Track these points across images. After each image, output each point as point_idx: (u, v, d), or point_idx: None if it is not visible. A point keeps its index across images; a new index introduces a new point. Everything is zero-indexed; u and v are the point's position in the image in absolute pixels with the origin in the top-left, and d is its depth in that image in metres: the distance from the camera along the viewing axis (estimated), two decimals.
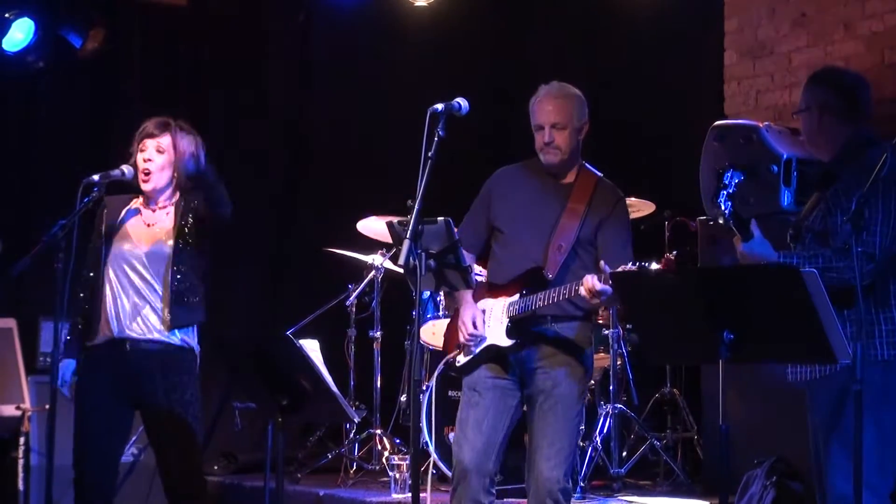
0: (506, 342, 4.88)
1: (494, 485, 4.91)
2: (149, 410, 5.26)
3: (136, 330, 5.21)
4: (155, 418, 5.25)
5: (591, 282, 4.59)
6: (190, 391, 5.26)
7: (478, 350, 4.95)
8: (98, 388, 5.24)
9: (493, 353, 4.92)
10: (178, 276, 5.23)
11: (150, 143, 5.32)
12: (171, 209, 5.33)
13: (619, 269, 4.53)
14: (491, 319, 4.95)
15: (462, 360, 5.00)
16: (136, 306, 5.22)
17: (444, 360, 5.19)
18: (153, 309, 5.22)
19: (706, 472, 6.78)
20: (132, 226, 5.34)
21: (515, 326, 4.89)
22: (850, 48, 7.10)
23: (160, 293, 5.23)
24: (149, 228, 5.32)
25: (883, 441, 4.22)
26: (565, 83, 5.06)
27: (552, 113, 4.95)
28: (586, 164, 5.09)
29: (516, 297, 4.90)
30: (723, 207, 4.16)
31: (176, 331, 5.23)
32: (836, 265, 4.19)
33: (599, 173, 5.09)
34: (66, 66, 7.97)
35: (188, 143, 5.35)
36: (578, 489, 6.34)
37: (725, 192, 4.18)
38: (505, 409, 4.91)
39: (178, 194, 5.38)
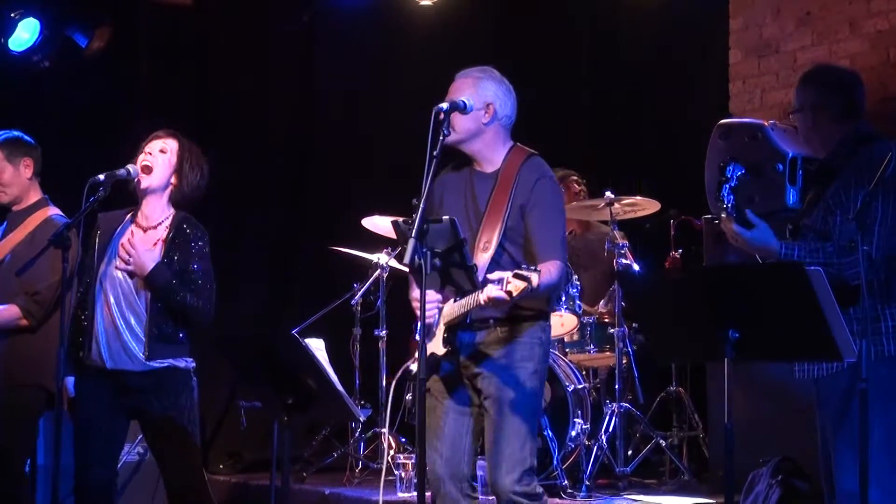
0: (440, 350, 4.75)
1: (475, 488, 4.82)
2: (146, 422, 5.29)
3: (122, 360, 5.17)
4: (152, 429, 5.28)
5: (488, 292, 4.37)
6: (185, 403, 5.25)
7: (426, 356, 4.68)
8: (95, 399, 5.22)
9: (437, 360, 4.79)
10: (157, 312, 5.18)
11: (155, 143, 5.31)
12: (163, 234, 5.27)
13: (516, 272, 4.27)
14: (436, 327, 4.80)
15: (413, 367, 4.88)
16: (121, 334, 5.17)
17: (402, 368, 5.09)
18: (135, 338, 5.17)
19: (712, 471, 6.77)
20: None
21: (451, 333, 4.75)
22: (854, 46, 7.10)
23: (145, 322, 5.17)
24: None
25: (892, 437, 4.22)
26: (487, 66, 4.87)
27: (450, 93, 4.77)
28: (519, 145, 4.86)
29: (449, 303, 4.76)
30: (725, 201, 4.17)
31: (159, 360, 5.20)
32: (837, 261, 4.19)
33: (531, 151, 4.84)
34: (72, 65, 7.96)
35: (194, 161, 5.33)
36: (584, 488, 6.34)
37: (728, 186, 4.19)
38: (462, 412, 4.80)
39: (171, 215, 5.33)
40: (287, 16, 8.81)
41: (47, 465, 6.50)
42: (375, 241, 7.49)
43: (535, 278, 4.25)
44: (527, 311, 4.71)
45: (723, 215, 4.24)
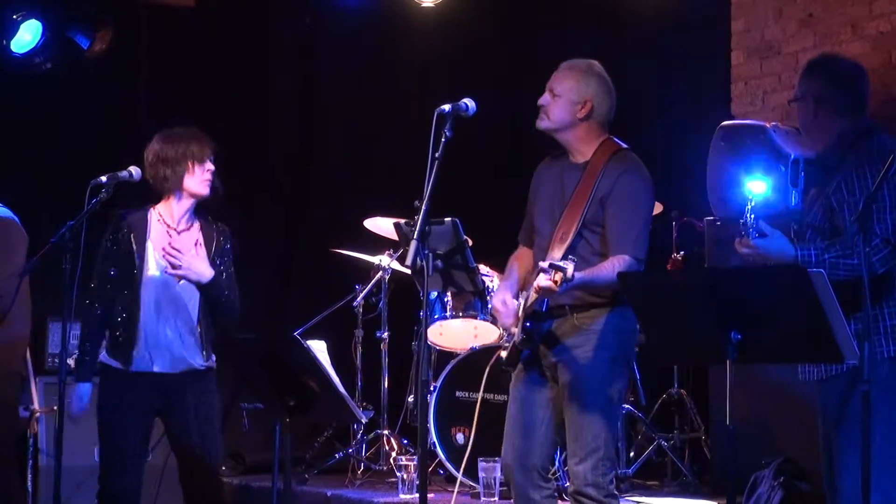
0: (519, 338, 4.73)
1: (547, 479, 4.79)
2: (175, 422, 5.35)
3: (168, 360, 5.28)
4: (181, 429, 5.33)
5: (539, 281, 4.40)
6: (215, 398, 5.39)
7: (510, 342, 4.81)
8: (129, 397, 5.28)
9: (517, 350, 4.79)
10: (206, 314, 5.35)
11: (209, 160, 5.40)
12: (198, 237, 5.41)
13: (548, 263, 4.35)
14: (517, 315, 4.79)
15: (503, 354, 4.87)
16: (169, 336, 5.28)
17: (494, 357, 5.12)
18: (183, 338, 5.29)
19: (714, 473, 6.77)
20: (157, 245, 5.35)
21: (531, 321, 4.70)
22: (856, 48, 7.08)
23: (195, 323, 5.31)
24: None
25: (890, 440, 4.20)
26: (593, 61, 4.94)
27: (552, 79, 4.86)
28: (612, 139, 4.87)
29: (525, 293, 4.77)
30: (749, 221, 4.12)
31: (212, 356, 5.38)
32: (857, 250, 4.13)
33: (624, 145, 4.86)
34: (74, 67, 7.97)
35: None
36: None
37: (750, 206, 4.14)
38: (538, 401, 4.79)
39: (196, 220, 5.45)
40: (289, 18, 8.80)
41: (49, 466, 6.51)
42: (377, 243, 7.49)
43: (570, 269, 4.29)
44: (602, 298, 4.69)
45: (742, 240, 4.19)
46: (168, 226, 5.38)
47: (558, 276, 4.30)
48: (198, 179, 5.34)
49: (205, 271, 5.23)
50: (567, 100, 4.79)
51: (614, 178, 4.71)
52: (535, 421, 4.77)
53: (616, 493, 4.72)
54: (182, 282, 5.25)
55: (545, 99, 4.82)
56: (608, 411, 4.68)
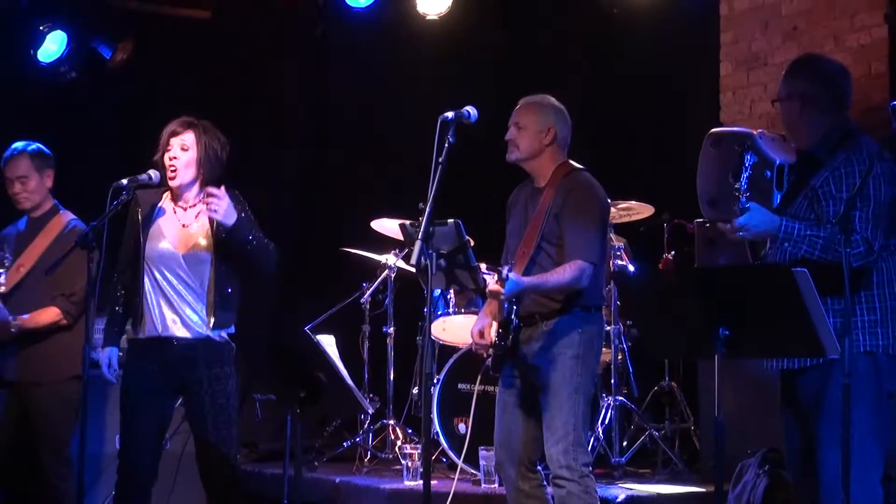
0: (495, 346, 5.03)
1: (534, 470, 5.05)
2: (192, 398, 5.21)
3: (179, 329, 5.17)
4: (198, 406, 5.19)
5: (488, 286, 4.79)
6: (231, 382, 5.23)
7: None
8: (144, 376, 5.20)
9: (499, 355, 5.05)
10: (221, 280, 5.21)
11: (175, 142, 5.28)
12: (203, 211, 5.25)
13: (484, 266, 4.74)
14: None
15: (489, 363, 5.20)
16: (177, 308, 5.18)
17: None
18: (194, 310, 5.18)
19: (703, 461, 6.77)
20: (166, 226, 5.27)
21: (501, 330, 5.01)
22: (839, 60, 7.06)
23: (201, 295, 5.19)
24: (184, 229, 5.26)
25: (867, 432, 4.19)
26: (546, 95, 5.19)
27: (516, 115, 5.11)
28: (569, 161, 5.15)
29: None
30: (743, 187, 4.12)
31: (220, 330, 5.23)
32: (839, 240, 4.11)
33: (578, 166, 5.14)
34: (97, 75, 7.98)
35: (211, 140, 5.34)
36: None
37: (745, 175, 4.14)
38: (517, 402, 5.06)
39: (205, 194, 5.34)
40: (301, 28, 8.80)
41: (72, 453, 6.52)
42: (384, 243, 7.49)
43: (504, 270, 4.70)
44: (564, 304, 4.97)
45: (735, 199, 4.17)
46: (178, 205, 5.32)
47: (497, 278, 4.68)
48: (166, 167, 5.26)
49: (232, 213, 5.04)
50: (533, 130, 5.07)
51: (565, 195, 5.01)
52: (517, 420, 5.07)
53: (589, 473, 4.92)
54: (186, 250, 5.17)
55: (512, 133, 5.10)
56: (574, 401, 4.92)
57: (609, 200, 6.86)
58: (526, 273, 4.93)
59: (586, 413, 5.01)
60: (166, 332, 5.16)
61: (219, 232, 5.16)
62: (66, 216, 6.03)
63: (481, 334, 5.09)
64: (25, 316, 5.72)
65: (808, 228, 4.18)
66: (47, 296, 5.74)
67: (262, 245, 5.21)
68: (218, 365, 5.18)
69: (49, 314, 5.75)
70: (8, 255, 5.75)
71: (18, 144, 6.00)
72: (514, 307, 4.94)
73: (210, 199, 5.02)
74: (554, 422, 4.89)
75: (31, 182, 5.94)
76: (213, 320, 5.17)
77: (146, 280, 5.20)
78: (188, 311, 5.18)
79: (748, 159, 4.17)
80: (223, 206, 5.01)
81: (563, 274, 4.86)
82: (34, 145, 6.02)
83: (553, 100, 5.16)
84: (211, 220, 5.20)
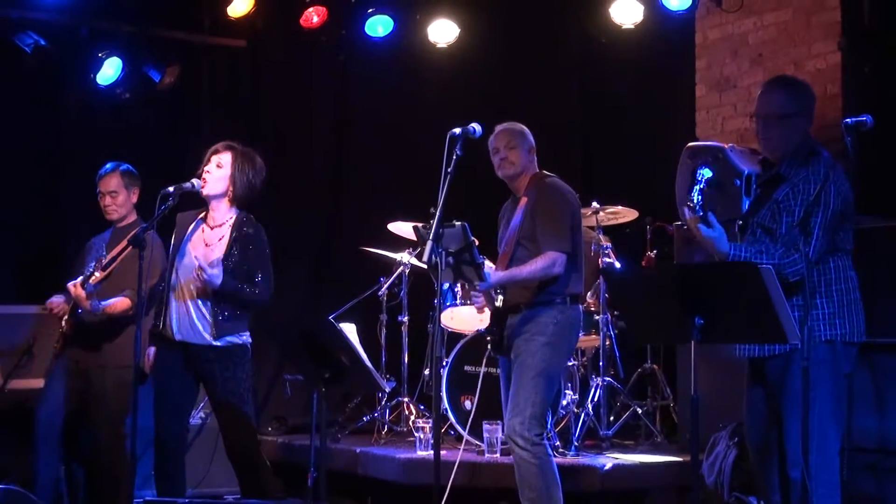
0: (491, 330, 5.23)
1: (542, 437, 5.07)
2: (209, 388, 5.37)
3: (190, 336, 5.27)
4: (214, 395, 5.35)
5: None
6: (243, 377, 5.32)
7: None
8: (172, 362, 5.33)
9: (497, 340, 5.22)
10: (220, 300, 5.24)
11: (214, 158, 5.40)
12: (227, 233, 5.34)
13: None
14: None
15: (490, 345, 5.39)
16: (190, 315, 5.26)
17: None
18: (201, 318, 5.26)
19: (680, 434, 6.76)
20: (194, 242, 5.38)
21: (495, 317, 5.20)
22: None
23: (209, 308, 5.25)
24: (206, 248, 5.34)
25: (827, 410, 4.20)
26: (515, 122, 5.35)
27: (500, 141, 5.24)
28: (542, 171, 5.26)
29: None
30: (695, 200, 4.12)
31: (225, 337, 5.27)
32: (779, 262, 4.13)
33: (547, 174, 5.24)
34: (148, 97, 8.02)
35: (245, 163, 5.38)
36: (573, 448, 6.32)
37: (698, 188, 4.14)
38: (510, 377, 5.16)
39: (234, 215, 5.39)
40: (326, 55, 8.80)
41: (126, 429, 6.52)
42: (399, 243, 7.48)
43: (484, 269, 4.86)
44: (542, 296, 5.08)
45: (688, 214, 4.18)
46: (207, 223, 5.40)
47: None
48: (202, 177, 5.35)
49: (217, 279, 5.13)
50: (523, 148, 5.22)
51: (536, 197, 5.12)
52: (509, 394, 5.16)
53: (541, 442, 5.00)
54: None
55: (503, 154, 5.20)
56: (539, 382, 5.01)
57: (599, 206, 6.93)
58: (508, 269, 5.06)
59: (549, 394, 5.09)
60: (181, 338, 5.28)
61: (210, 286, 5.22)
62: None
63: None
64: (108, 302, 5.71)
65: (747, 251, 4.19)
66: (117, 290, 5.73)
67: (252, 293, 5.26)
68: (229, 368, 5.28)
69: (123, 303, 5.75)
70: (104, 252, 5.80)
71: (111, 163, 6.08)
72: (502, 297, 5.11)
73: (199, 272, 5.14)
74: (517, 397, 4.99)
75: (119, 197, 6.02)
76: (214, 332, 5.24)
77: (171, 291, 5.31)
78: (199, 322, 5.26)
79: (699, 175, 4.16)
80: (202, 280, 5.13)
81: (535, 264, 4.98)
82: (125, 165, 6.10)
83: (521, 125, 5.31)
84: (228, 243, 5.30)
